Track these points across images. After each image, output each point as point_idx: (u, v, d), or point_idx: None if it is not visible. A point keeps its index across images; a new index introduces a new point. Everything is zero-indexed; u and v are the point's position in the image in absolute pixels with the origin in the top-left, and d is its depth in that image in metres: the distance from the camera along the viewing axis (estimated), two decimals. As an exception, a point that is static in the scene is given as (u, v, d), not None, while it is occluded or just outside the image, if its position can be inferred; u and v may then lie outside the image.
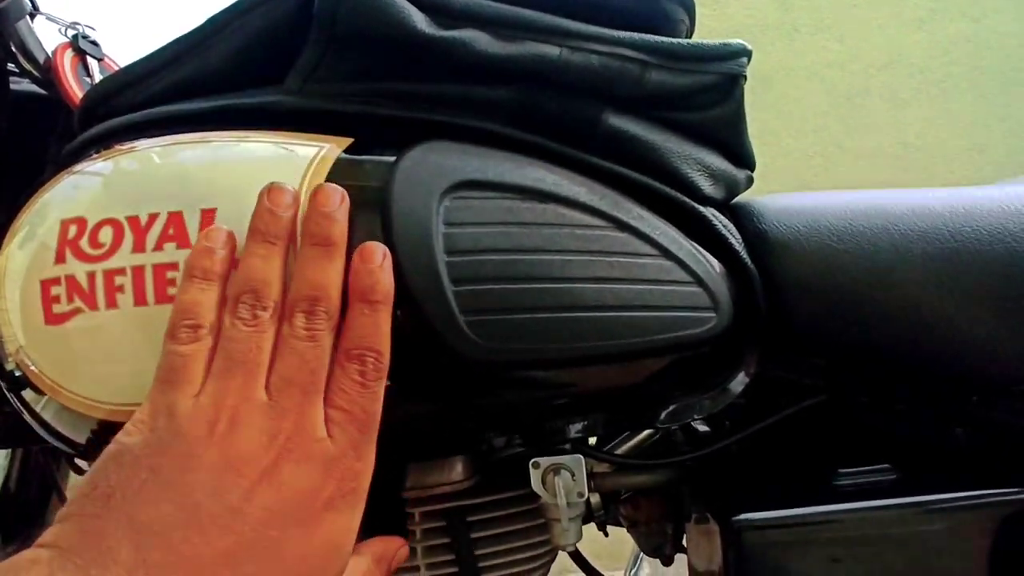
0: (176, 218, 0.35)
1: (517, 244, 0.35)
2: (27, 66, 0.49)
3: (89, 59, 0.51)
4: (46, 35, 0.51)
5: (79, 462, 0.64)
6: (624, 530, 0.62)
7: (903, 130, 1.60)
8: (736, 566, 0.40)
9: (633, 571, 0.85)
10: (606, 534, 0.61)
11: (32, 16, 0.49)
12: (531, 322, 0.35)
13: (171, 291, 0.34)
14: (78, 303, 0.36)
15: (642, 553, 0.88)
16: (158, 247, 0.35)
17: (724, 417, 0.58)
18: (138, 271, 0.35)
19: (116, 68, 0.55)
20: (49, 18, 0.51)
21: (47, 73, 0.49)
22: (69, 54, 0.50)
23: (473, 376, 0.35)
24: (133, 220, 0.35)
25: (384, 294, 0.31)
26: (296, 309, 0.31)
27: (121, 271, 0.35)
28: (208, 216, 0.35)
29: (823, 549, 0.41)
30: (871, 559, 0.41)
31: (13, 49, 0.47)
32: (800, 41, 1.61)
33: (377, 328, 0.31)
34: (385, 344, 0.31)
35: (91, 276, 0.35)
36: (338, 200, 0.33)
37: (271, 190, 0.33)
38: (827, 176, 1.60)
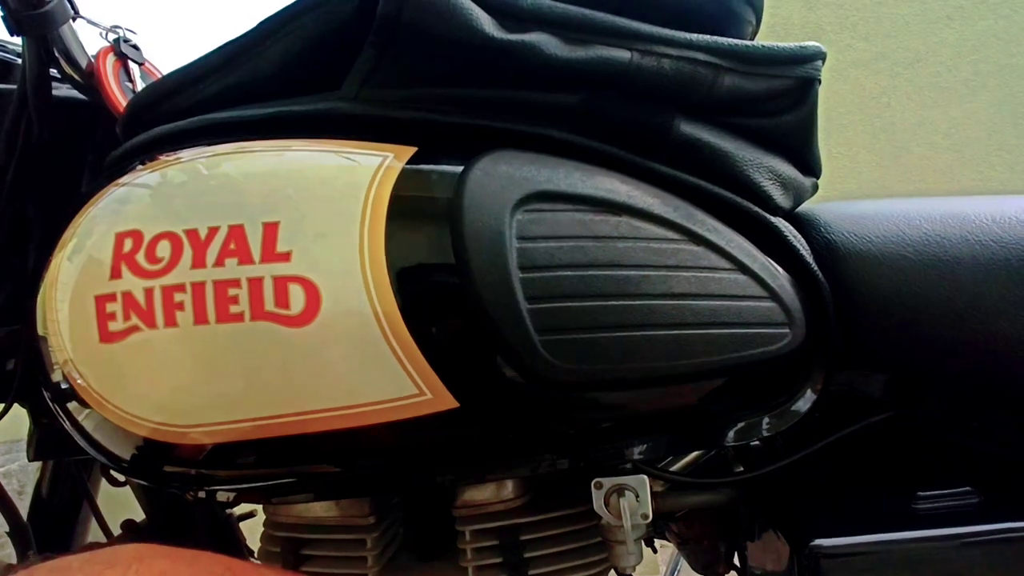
0: (237, 232, 0.33)
1: (592, 259, 0.34)
2: (69, 71, 0.47)
3: (130, 64, 0.50)
4: (85, 39, 0.50)
5: (115, 474, 0.63)
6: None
7: (930, 130, 1.57)
8: (813, 593, 0.38)
9: (670, 583, 0.83)
10: (655, 550, 0.60)
11: (73, 19, 0.48)
12: (608, 341, 0.33)
13: (233, 309, 0.33)
14: (135, 321, 0.34)
15: (678, 567, 0.86)
16: (219, 263, 0.33)
17: (777, 434, 0.56)
18: (198, 288, 0.33)
19: (157, 73, 0.54)
20: (89, 21, 0.50)
21: (89, 79, 0.47)
22: (111, 59, 0.49)
23: (545, 398, 0.33)
24: (192, 234, 0.34)
25: None
26: None
27: (181, 288, 0.33)
28: (271, 229, 0.33)
29: (903, 576, 0.39)
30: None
31: (56, 54, 0.46)
32: (825, 40, 1.57)
33: None
34: None
35: (149, 293, 0.34)
36: None
37: None
38: (853, 178, 1.57)
